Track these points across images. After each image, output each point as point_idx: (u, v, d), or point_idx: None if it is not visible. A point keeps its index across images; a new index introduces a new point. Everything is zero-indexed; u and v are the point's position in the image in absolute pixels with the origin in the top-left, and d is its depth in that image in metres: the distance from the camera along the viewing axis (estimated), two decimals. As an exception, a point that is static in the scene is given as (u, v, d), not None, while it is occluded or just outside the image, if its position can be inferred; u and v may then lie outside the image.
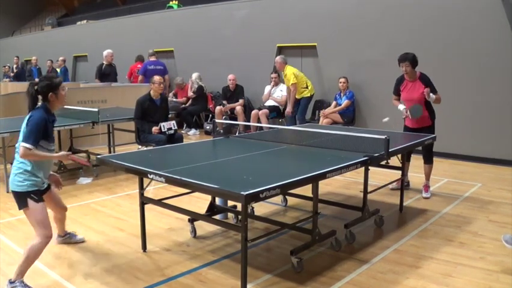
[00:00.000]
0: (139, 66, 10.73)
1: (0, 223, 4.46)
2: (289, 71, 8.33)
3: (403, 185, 4.90)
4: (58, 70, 13.83)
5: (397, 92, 5.45)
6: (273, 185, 2.84)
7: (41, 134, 3.22)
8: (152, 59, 10.38)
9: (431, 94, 5.11)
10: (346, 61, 8.48)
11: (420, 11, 7.45)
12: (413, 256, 3.71)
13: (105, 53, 10.30)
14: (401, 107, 5.37)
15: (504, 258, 3.61)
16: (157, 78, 6.28)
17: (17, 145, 3.26)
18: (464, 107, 7.15)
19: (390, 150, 3.85)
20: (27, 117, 3.28)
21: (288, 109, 8.50)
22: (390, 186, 5.29)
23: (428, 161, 5.38)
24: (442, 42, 7.21)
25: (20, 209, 3.24)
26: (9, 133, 5.35)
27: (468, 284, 3.24)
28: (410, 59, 5.17)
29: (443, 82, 6.27)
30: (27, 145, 3.14)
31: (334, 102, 8.27)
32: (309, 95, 8.48)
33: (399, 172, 4.79)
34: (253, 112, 9.17)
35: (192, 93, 10.29)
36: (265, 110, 8.91)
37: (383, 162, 4.33)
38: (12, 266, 3.51)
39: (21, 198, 3.20)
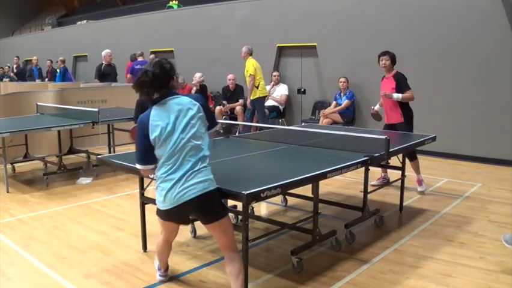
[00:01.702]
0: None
1: (0, 223, 4.46)
2: (250, 62, 8.25)
3: (403, 186, 4.88)
4: (58, 70, 13.83)
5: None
6: (274, 185, 2.85)
7: None
8: (140, 59, 10.45)
9: (394, 95, 5.26)
10: (346, 61, 8.47)
11: (420, 11, 7.45)
12: (413, 256, 3.71)
13: (104, 53, 10.31)
14: (377, 106, 5.76)
15: (504, 258, 3.61)
16: None
17: (192, 143, 2.66)
18: (464, 107, 7.15)
19: (390, 150, 3.86)
20: (189, 101, 2.68)
21: (248, 101, 8.45)
22: (371, 182, 5.32)
23: (411, 158, 5.37)
24: (442, 42, 7.21)
25: (221, 217, 2.71)
26: (9, 133, 5.34)
27: (468, 284, 3.24)
28: (391, 54, 5.41)
29: (443, 82, 6.29)
30: (216, 127, 2.85)
31: (334, 102, 8.27)
32: (259, 95, 8.35)
33: (399, 172, 4.79)
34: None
35: (196, 88, 10.21)
36: (265, 110, 8.90)
37: (383, 162, 4.33)
38: (12, 266, 3.53)
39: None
